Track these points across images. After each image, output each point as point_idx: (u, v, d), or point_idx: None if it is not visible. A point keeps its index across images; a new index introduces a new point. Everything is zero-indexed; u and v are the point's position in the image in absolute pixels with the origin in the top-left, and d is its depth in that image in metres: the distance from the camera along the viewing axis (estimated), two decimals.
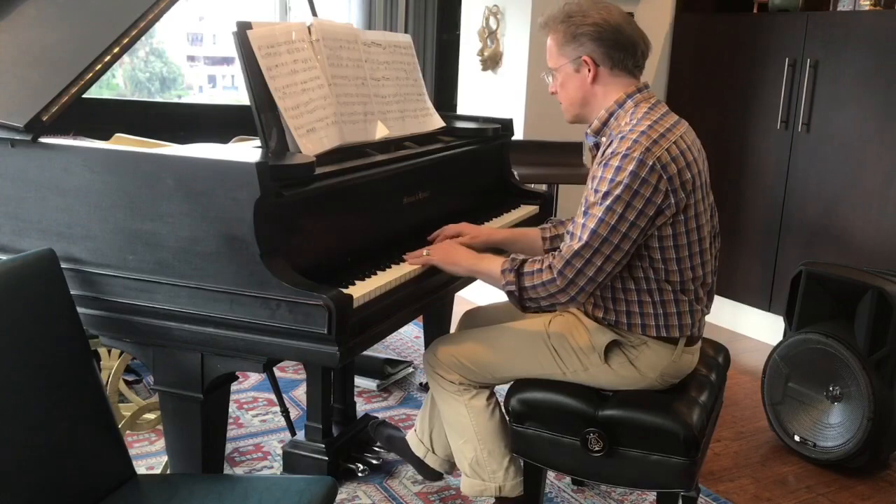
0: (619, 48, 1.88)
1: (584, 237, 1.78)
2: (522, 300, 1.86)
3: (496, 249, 2.21)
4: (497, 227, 2.36)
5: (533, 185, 3.01)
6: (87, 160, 1.75)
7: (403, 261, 2.00)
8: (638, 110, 1.87)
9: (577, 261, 1.78)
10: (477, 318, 2.35)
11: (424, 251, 2.01)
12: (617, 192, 1.76)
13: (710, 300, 2.01)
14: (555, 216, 3.30)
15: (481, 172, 2.68)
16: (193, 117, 2.86)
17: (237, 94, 5.10)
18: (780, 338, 2.93)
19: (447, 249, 2.03)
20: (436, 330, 2.87)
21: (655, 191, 1.76)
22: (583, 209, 1.83)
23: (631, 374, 1.95)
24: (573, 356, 1.97)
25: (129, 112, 2.88)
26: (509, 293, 1.87)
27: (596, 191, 1.80)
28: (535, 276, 1.83)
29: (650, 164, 1.75)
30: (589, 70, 1.90)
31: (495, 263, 1.92)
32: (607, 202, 1.76)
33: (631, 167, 1.75)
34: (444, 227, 2.21)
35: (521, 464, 2.10)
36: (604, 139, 1.92)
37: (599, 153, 1.91)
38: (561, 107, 2.01)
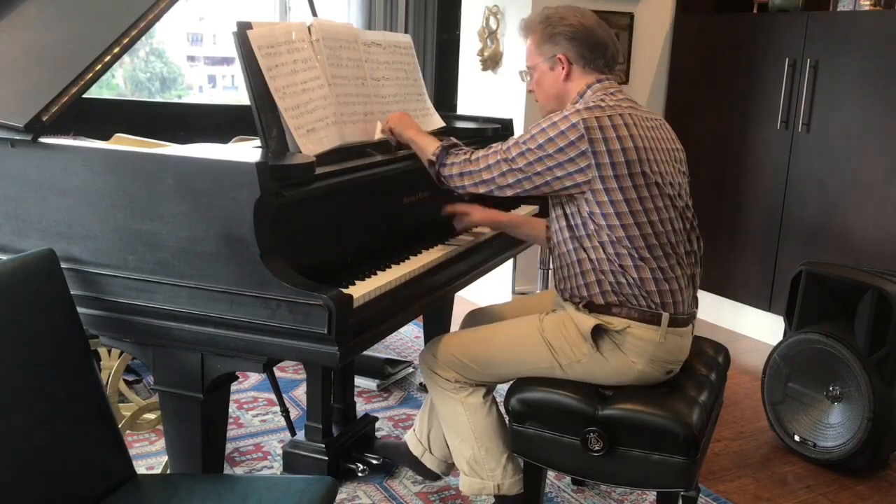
0: (591, 48, 2.02)
1: (496, 149, 1.97)
2: (439, 173, 2.05)
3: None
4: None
5: None
6: (87, 160, 1.75)
7: (403, 261, 2.01)
8: (594, 95, 2.00)
9: (481, 161, 1.98)
10: (479, 319, 2.36)
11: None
12: (535, 132, 1.92)
13: (693, 283, 2.04)
14: None
15: None
16: (193, 117, 2.86)
17: (237, 94, 5.10)
18: (780, 338, 2.93)
19: (401, 117, 2.20)
20: (436, 330, 2.87)
21: (570, 145, 1.87)
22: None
23: (622, 363, 1.95)
24: (566, 347, 1.98)
25: (129, 112, 2.87)
26: (429, 163, 2.06)
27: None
28: (457, 155, 2.03)
29: (574, 121, 1.89)
30: (563, 67, 2.04)
31: (432, 141, 2.09)
32: (524, 136, 1.94)
33: (557, 120, 1.91)
34: (455, 205, 2.36)
35: (520, 462, 2.10)
36: None
37: None
38: (538, 104, 2.14)
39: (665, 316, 1.93)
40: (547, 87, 2.07)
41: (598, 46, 2.02)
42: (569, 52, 2.02)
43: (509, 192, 1.97)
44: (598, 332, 1.95)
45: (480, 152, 2.01)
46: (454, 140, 2.10)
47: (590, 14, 2.06)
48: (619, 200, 1.88)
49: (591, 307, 1.96)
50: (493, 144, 2.00)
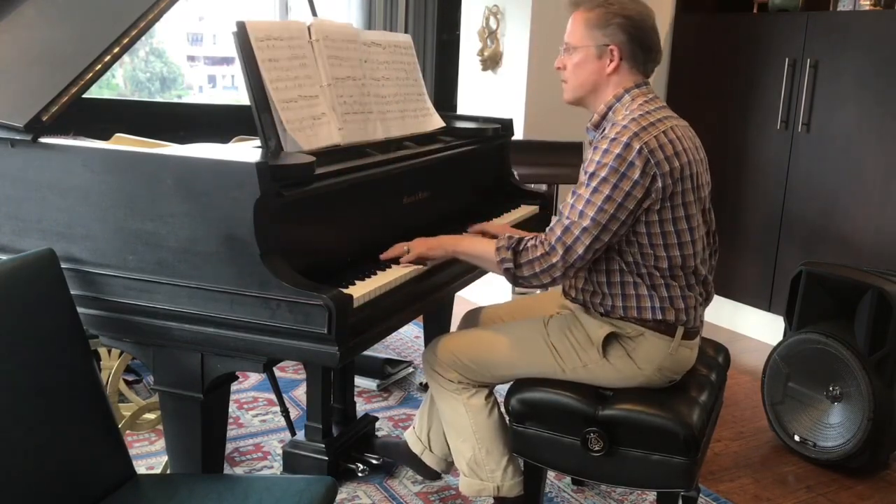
0: (644, 49, 1.93)
1: (572, 217, 1.83)
2: (517, 277, 1.89)
3: None
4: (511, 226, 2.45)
5: (533, 185, 3.01)
6: (87, 160, 1.75)
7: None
8: (633, 103, 1.91)
9: (566, 237, 1.83)
10: (477, 318, 2.36)
11: (405, 247, 1.99)
12: (602, 173, 1.81)
13: (709, 294, 2.02)
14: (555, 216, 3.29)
15: (481, 172, 2.68)
16: (193, 117, 2.86)
17: (237, 94, 5.09)
18: (780, 338, 2.93)
19: (421, 242, 2.02)
20: (436, 330, 2.87)
21: (642, 174, 1.80)
22: (573, 190, 1.89)
23: (629, 369, 1.95)
24: (572, 353, 1.98)
25: (129, 112, 2.87)
26: (505, 270, 1.90)
27: (584, 172, 1.86)
28: (529, 252, 1.87)
29: (637, 147, 1.80)
30: (611, 60, 1.92)
31: (481, 243, 1.98)
32: (593, 183, 1.82)
33: (618, 150, 1.80)
34: (473, 227, 2.29)
35: (521, 464, 2.10)
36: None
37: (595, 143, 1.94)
38: (564, 84, 2.01)
39: (680, 329, 1.93)
40: (586, 74, 1.94)
41: (650, 49, 1.93)
42: (623, 45, 1.89)
43: (603, 247, 1.85)
44: (608, 339, 1.94)
45: (552, 236, 1.84)
46: (510, 237, 1.92)
47: (651, 10, 1.93)
48: (666, 220, 1.85)
49: (609, 312, 1.95)
50: (556, 221, 1.86)
